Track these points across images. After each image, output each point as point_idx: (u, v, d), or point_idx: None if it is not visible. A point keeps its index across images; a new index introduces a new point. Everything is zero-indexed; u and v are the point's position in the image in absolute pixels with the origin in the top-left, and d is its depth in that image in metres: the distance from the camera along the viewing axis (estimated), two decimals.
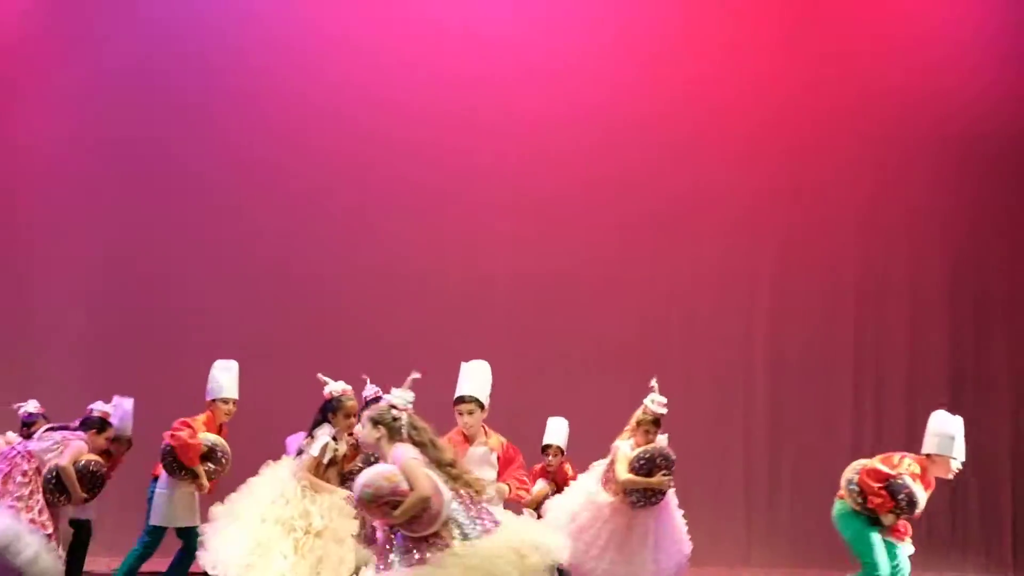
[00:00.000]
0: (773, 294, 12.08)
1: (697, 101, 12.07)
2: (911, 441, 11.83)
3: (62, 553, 8.25)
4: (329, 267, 11.74)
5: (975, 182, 12.18)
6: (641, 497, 8.02)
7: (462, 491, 5.68)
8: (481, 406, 7.36)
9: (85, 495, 8.29)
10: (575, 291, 11.82)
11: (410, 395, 6.00)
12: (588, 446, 8.96)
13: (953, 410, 11.64)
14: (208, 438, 8.63)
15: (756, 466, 11.75)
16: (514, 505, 7.65)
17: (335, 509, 7.19)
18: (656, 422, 8.17)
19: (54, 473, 8.14)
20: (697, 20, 12.29)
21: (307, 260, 11.77)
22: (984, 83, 12.20)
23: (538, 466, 9.41)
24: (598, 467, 8.37)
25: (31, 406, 9.34)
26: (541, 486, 9.24)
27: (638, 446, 8.17)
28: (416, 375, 6.02)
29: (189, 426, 8.62)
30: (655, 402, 8.20)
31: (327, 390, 7.61)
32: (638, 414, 8.23)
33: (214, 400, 8.82)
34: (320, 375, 7.57)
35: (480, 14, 12.25)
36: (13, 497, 8.13)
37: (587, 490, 8.31)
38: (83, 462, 8.25)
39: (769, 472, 11.74)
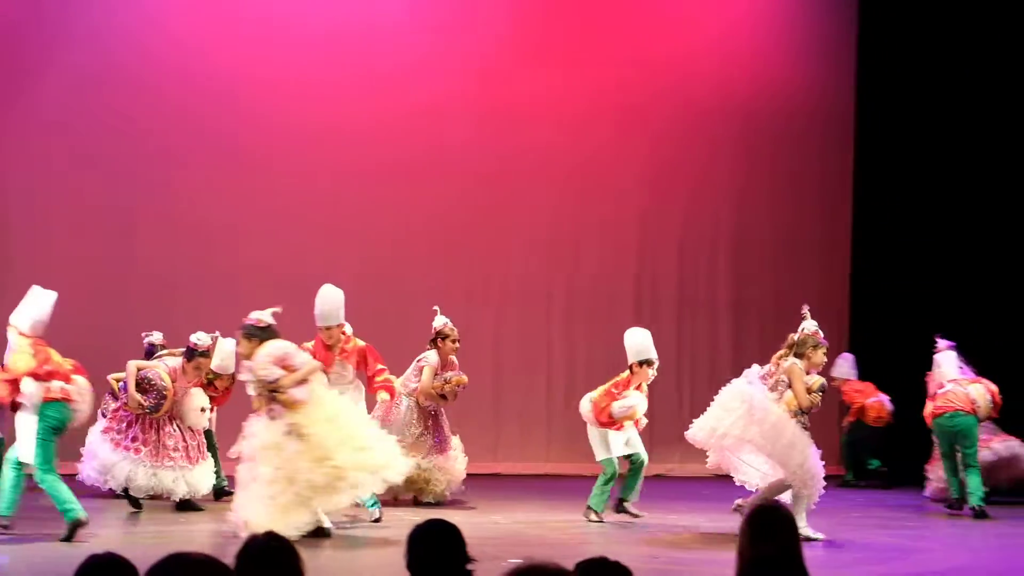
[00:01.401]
0: (566, 237, 13.46)
1: (518, 87, 13.20)
2: (680, 355, 13.09)
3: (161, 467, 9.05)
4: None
5: (740, 149, 13.68)
6: (806, 421, 8.58)
7: None
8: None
9: (140, 399, 9.03)
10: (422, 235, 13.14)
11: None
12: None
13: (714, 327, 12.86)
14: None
15: (555, 379, 13.40)
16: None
17: None
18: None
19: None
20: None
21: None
22: (751, 66, 13.60)
23: (624, 376, 9.35)
24: (754, 371, 8.78)
25: (156, 337, 9.90)
26: (638, 397, 9.34)
27: (812, 368, 8.63)
28: None
29: None
30: (815, 325, 8.75)
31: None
32: (810, 339, 8.65)
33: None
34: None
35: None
36: (115, 429, 9.19)
37: (757, 382, 8.63)
38: (144, 370, 9.09)
39: (566, 383, 13.36)
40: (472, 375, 12.73)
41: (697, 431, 8.72)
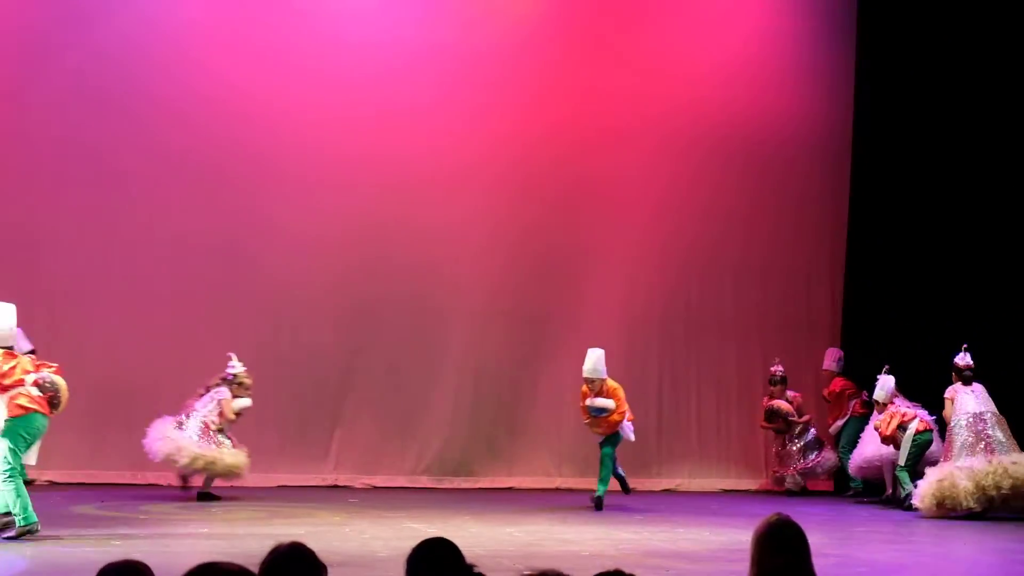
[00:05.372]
0: (568, 258, 13.31)
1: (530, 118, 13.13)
2: (687, 374, 13.05)
3: None
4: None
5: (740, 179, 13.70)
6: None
7: None
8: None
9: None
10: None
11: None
12: None
13: (722, 345, 12.80)
14: None
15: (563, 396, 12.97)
16: None
17: None
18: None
19: None
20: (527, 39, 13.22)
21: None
22: (761, 100, 13.67)
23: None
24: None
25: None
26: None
27: None
28: None
29: None
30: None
31: None
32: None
33: None
34: None
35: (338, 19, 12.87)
36: None
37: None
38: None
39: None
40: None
41: None
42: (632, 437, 11.03)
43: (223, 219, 12.39)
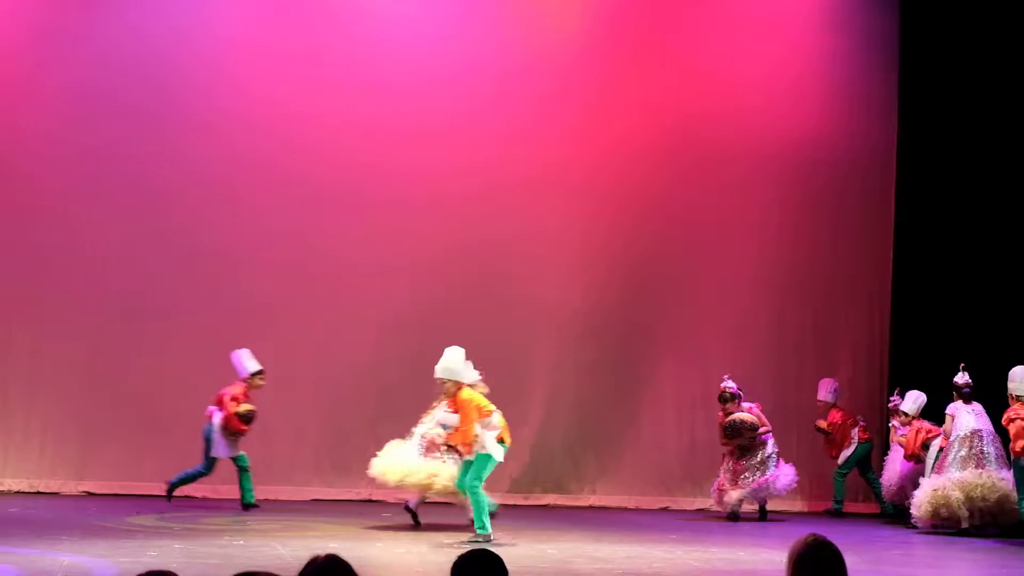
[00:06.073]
0: (606, 277, 13.24)
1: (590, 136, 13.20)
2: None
3: None
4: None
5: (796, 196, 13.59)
6: None
7: None
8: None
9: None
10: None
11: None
12: None
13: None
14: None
15: (596, 412, 13.14)
16: None
17: None
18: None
19: None
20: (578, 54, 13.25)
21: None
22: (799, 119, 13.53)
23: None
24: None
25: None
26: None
27: None
28: None
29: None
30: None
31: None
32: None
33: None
34: None
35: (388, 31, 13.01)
36: None
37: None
38: None
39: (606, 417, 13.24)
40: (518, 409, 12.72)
41: None
42: (499, 458, 9.11)
43: (271, 235, 12.57)
